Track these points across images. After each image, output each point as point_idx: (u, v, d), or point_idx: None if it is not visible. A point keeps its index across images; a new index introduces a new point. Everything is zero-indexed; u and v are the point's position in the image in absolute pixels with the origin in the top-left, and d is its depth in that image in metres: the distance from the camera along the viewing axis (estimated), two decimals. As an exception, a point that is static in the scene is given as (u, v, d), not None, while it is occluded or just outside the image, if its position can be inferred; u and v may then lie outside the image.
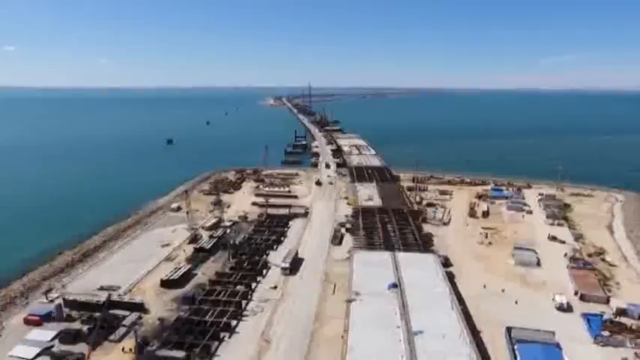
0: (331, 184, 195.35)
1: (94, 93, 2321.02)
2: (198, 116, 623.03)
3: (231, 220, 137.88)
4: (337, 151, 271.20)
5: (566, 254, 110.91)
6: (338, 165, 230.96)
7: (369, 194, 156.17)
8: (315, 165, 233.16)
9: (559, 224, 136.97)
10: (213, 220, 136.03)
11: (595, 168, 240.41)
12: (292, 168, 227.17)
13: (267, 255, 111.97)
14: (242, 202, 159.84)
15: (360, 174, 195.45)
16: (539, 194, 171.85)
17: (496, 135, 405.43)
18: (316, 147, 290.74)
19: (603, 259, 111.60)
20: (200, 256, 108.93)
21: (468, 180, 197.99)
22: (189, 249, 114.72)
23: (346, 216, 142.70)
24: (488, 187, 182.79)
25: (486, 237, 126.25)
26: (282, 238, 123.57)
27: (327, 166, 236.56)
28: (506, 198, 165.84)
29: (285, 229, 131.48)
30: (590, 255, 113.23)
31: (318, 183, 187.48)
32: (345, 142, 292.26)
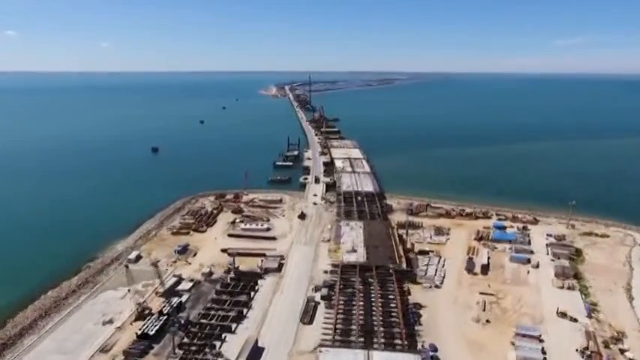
0: (315, 204, 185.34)
1: (94, 79, 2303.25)
2: (193, 111, 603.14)
3: (192, 280, 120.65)
4: (330, 165, 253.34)
5: (577, 349, 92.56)
6: (327, 186, 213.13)
7: (353, 242, 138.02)
8: (304, 186, 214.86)
9: (569, 287, 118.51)
10: (171, 281, 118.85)
11: (611, 189, 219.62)
12: (278, 190, 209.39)
13: (223, 340, 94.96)
14: (211, 248, 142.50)
15: (349, 204, 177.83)
16: (547, 235, 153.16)
17: (501, 136, 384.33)
18: (308, 159, 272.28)
19: (622, 350, 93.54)
20: (141, 346, 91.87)
21: (469, 210, 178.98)
22: (135, 326, 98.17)
23: (325, 272, 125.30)
24: (491, 224, 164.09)
25: (484, 309, 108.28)
26: (245, 311, 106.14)
27: (317, 180, 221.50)
28: (510, 241, 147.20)
29: (252, 293, 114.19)
30: (606, 344, 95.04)
31: (302, 216, 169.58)
32: (340, 154, 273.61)
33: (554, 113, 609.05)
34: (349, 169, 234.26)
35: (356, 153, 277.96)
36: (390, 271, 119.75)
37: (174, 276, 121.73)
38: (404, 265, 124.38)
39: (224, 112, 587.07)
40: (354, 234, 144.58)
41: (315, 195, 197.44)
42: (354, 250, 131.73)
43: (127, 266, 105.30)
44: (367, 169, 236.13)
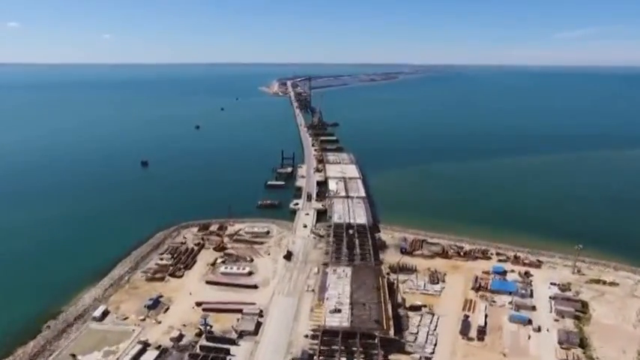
0: (305, 226, 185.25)
1: (93, 72, 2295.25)
2: (191, 111, 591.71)
3: (159, 346, 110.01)
4: (324, 184, 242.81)
5: None
6: (319, 213, 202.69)
7: (338, 297, 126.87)
8: (294, 212, 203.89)
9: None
10: (135, 350, 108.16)
11: (622, 218, 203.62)
12: (266, 218, 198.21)
13: None
14: (186, 300, 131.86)
15: (339, 239, 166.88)
16: (551, 284, 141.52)
17: (505, 145, 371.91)
18: (302, 177, 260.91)
19: None
20: None
21: (468, 248, 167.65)
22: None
23: (305, 336, 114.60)
24: (490, 267, 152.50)
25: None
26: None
27: (309, 197, 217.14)
28: (510, 293, 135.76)
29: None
30: None
31: (287, 256, 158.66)
32: (335, 171, 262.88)
33: (562, 115, 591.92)
34: (343, 192, 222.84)
35: (352, 170, 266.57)
36: (376, 340, 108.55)
37: (139, 342, 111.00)
38: (392, 332, 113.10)
39: (222, 115, 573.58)
40: (340, 285, 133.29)
41: (307, 214, 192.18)
42: (337, 310, 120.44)
43: (73, 355, 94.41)
44: (362, 192, 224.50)
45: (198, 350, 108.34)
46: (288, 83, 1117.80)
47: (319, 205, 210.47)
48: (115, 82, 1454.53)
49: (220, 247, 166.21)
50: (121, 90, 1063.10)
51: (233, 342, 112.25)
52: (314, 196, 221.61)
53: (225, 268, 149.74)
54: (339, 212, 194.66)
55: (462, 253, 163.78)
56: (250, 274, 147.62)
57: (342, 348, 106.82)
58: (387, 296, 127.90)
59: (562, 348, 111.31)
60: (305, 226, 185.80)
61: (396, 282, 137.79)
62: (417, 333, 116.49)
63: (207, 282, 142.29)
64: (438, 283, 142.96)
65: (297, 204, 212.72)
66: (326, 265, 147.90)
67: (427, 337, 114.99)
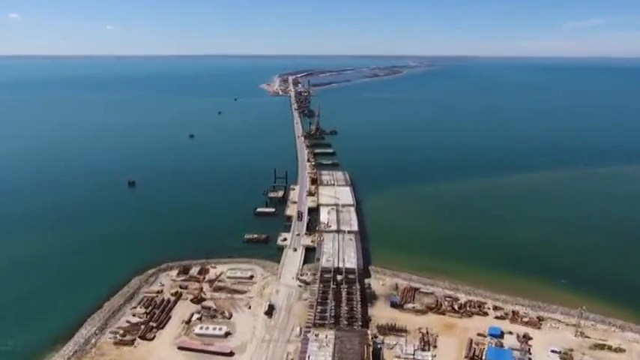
0: (295, 250, 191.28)
1: (96, 67, 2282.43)
2: (187, 115, 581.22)
3: None
4: (315, 212, 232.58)
5: None
6: (307, 249, 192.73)
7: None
8: (281, 249, 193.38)
9: None
10: None
11: (634, 261, 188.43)
12: (251, 255, 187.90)
13: None
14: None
15: (325, 292, 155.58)
16: (552, 351, 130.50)
17: (512, 161, 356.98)
18: (293, 202, 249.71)
19: None
20: None
21: (463, 300, 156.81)
22: None
23: None
24: (486, 326, 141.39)
25: None
26: None
27: (300, 217, 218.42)
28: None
29: None
30: None
31: (269, 312, 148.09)
32: (328, 196, 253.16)
33: (574, 119, 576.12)
34: (334, 225, 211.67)
35: (346, 195, 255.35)
36: None
37: None
38: None
39: (219, 120, 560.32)
40: (321, 357, 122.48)
41: (296, 248, 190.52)
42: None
43: None
44: (355, 225, 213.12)
45: None
46: (290, 79, 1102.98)
47: (308, 241, 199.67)
48: (112, 79, 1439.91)
49: (198, 299, 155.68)
50: (118, 89, 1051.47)
51: None
52: (303, 237, 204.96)
53: (201, 328, 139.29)
54: (328, 252, 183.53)
55: (456, 307, 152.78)
56: (227, 334, 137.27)
57: None
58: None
59: None
60: (295, 250, 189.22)
61: (382, 343, 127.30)
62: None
63: (180, 347, 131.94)
64: (429, 349, 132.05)
65: (285, 239, 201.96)
66: (308, 327, 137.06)
67: None
